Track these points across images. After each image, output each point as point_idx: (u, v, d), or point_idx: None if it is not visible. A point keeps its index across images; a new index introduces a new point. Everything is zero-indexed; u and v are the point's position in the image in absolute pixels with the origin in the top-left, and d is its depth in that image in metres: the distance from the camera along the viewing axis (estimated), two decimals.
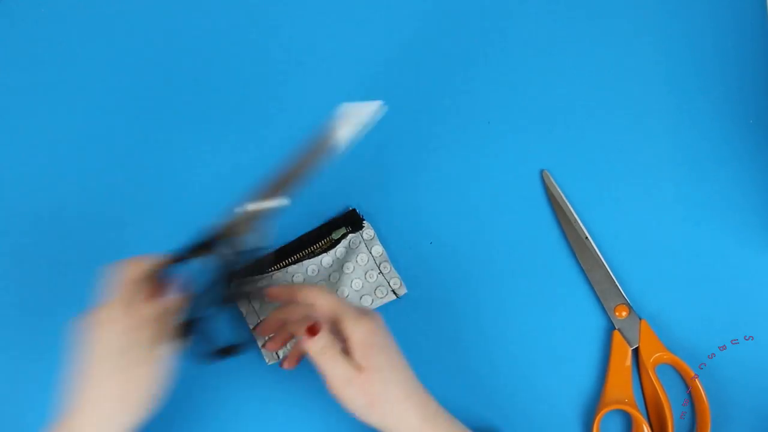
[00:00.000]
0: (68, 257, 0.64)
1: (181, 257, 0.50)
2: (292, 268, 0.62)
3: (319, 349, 0.51)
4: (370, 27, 0.69)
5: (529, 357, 0.63)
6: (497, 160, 0.66)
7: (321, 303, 0.54)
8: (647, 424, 0.60)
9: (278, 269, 0.61)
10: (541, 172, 0.66)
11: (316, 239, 0.62)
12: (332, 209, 0.64)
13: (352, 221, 0.63)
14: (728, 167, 0.65)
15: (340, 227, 0.63)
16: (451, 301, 0.64)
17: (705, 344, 0.63)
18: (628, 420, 0.62)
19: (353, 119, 0.52)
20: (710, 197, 0.65)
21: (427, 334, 0.63)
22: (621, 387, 0.61)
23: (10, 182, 0.66)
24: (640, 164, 0.66)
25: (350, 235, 0.62)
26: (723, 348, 0.63)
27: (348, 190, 0.65)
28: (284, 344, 0.58)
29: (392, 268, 0.63)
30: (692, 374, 0.61)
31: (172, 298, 0.51)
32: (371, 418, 0.51)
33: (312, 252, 0.62)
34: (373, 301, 0.62)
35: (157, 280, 0.51)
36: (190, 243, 0.51)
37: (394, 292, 0.62)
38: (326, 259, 0.62)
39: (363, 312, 0.53)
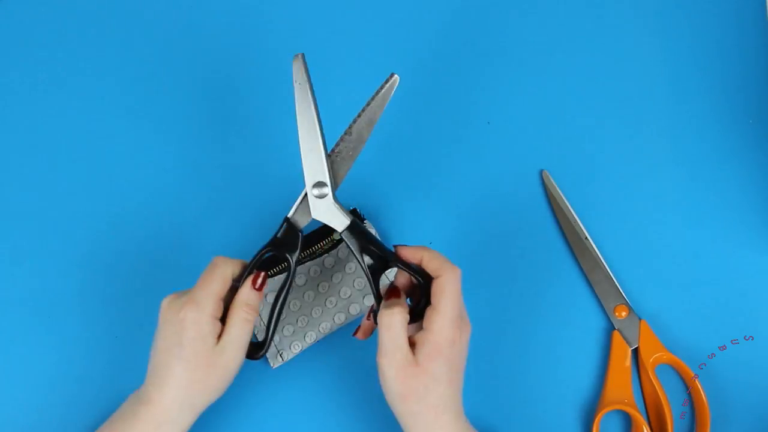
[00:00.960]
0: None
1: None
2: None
3: (389, 323, 0.51)
4: (370, 27, 0.69)
5: (528, 357, 0.63)
6: (497, 160, 0.66)
7: (442, 276, 0.52)
8: (647, 425, 0.60)
9: (280, 271, 0.61)
10: (541, 172, 0.66)
11: (319, 239, 0.62)
12: None
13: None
14: (728, 167, 0.65)
15: None
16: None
17: (705, 344, 0.63)
18: (627, 420, 0.62)
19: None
20: (710, 197, 0.65)
21: None
22: (621, 387, 0.61)
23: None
24: (640, 164, 0.66)
25: None
26: (723, 348, 0.63)
27: (348, 190, 0.65)
28: None
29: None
30: (692, 374, 0.61)
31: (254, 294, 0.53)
32: (397, 406, 0.51)
33: (314, 253, 0.62)
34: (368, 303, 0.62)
35: (245, 280, 0.54)
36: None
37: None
38: (328, 260, 0.62)
39: (458, 319, 0.51)
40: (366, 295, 0.62)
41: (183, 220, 0.65)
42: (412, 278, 0.54)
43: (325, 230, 0.62)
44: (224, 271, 0.52)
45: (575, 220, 0.64)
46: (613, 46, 0.68)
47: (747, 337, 0.63)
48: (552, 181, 0.65)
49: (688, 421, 0.62)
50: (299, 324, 0.61)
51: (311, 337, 0.61)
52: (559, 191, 0.65)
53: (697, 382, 0.61)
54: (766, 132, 0.66)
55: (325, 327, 0.61)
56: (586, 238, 0.64)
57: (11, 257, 0.64)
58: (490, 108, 0.67)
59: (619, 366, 0.61)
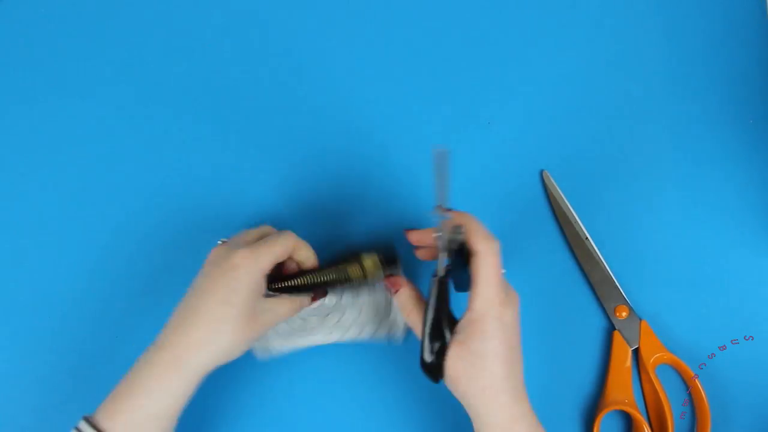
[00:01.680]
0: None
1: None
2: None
3: (403, 302, 0.52)
4: (370, 27, 0.69)
5: (529, 357, 0.62)
6: (497, 161, 0.66)
7: (478, 252, 0.50)
8: (647, 425, 0.60)
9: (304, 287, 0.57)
10: (541, 172, 0.66)
11: (346, 259, 0.57)
12: (332, 208, 0.64)
13: (385, 253, 0.58)
14: (728, 167, 0.65)
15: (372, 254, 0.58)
16: (450, 302, 0.63)
17: (705, 344, 0.63)
18: (628, 420, 0.62)
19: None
20: (710, 197, 0.65)
21: None
22: (621, 387, 0.61)
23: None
24: (640, 164, 0.66)
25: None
26: (723, 348, 0.63)
27: (346, 190, 0.65)
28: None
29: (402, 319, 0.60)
30: (692, 374, 0.61)
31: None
32: (453, 391, 0.50)
33: (347, 279, 0.57)
34: (369, 333, 0.61)
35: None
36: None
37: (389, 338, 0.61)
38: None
39: (499, 292, 0.50)
40: (366, 326, 0.61)
41: (175, 229, 0.65)
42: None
43: (354, 251, 0.58)
44: (290, 243, 0.53)
45: (575, 220, 0.64)
46: (613, 47, 0.68)
47: (747, 337, 0.63)
48: (552, 181, 0.65)
49: (688, 421, 0.62)
50: (293, 325, 0.60)
51: (300, 344, 0.60)
52: (559, 191, 0.65)
53: (697, 382, 0.61)
54: (766, 132, 0.66)
55: (317, 340, 0.60)
56: (587, 238, 0.64)
57: (11, 257, 0.64)
58: (490, 108, 0.67)
59: (619, 366, 0.61)
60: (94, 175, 0.65)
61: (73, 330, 0.63)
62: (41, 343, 0.62)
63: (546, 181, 0.65)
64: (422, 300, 0.54)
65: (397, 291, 0.55)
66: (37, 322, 0.63)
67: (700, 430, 0.61)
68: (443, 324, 0.51)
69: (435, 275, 0.52)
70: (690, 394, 0.62)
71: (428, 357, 0.50)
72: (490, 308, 0.49)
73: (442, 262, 0.52)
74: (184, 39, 0.68)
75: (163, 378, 0.49)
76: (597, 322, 0.63)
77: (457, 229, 0.51)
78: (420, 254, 0.57)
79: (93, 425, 0.48)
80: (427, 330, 0.51)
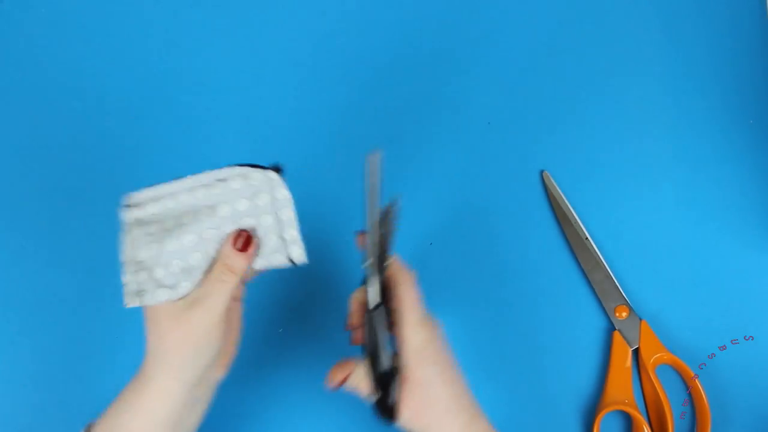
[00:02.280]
0: None
1: None
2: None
3: (351, 384, 0.50)
4: (370, 26, 0.69)
5: (529, 357, 0.63)
6: (497, 161, 0.66)
7: (397, 284, 0.50)
8: (647, 425, 0.60)
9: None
10: (541, 172, 0.66)
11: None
12: (329, 208, 0.64)
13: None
14: (728, 167, 0.65)
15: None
16: (450, 302, 0.64)
17: (705, 344, 0.63)
18: (628, 420, 0.62)
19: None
20: (710, 197, 0.65)
21: None
22: (621, 387, 0.61)
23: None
24: (640, 164, 0.66)
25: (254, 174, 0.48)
26: (723, 348, 0.63)
27: (346, 190, 0.65)
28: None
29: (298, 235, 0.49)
30: (692, 374, 0.61)
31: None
32: (411, 427, 0.49)
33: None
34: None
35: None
36: None
37: (291, 260, 0.49)
38: (224, 207, 0.48)
39: (425, 319, 0.50)
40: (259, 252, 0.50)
41: None
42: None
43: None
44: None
45: (575, 220, 0.64)
46: (613, 46, 0.68)
47: (747, 337, 0.63)
48: (552, 181, 0.65)
49: (688, 421, 0.62)
50: (172, 269, 0.48)
51: (185, 288, 0.48)
52: (559, 191, 0.65)
53: (697, 382, 0.61)
54: (766, 132, 0.66)
55: (190, 241, 0.48)
56: (587, 238, 0.64)
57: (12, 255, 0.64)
58: (490, 108, 0.67)
59: (619, 366, 0.61)
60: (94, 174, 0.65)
61: (74, 329, 0.63)
62: (39, 341, 0.63)
63: (546, 181, 0.65)
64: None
65: (346, 378, 0.51)
66: (36, 321, 0.63)
67: (700, 430, 0.61)
68: (387, 360, 0.50)
69: (367, 309, 0.50)
70: (690, 394, 0.62)
71: (379, 402, 0.49)
72: (420, 336, 0.49)
73: (372, 293, 0.50)
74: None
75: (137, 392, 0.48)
76: (597, 322, 0.63)
77: (387, 257, 0.51)
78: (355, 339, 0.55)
79: None
80: (373, 373, 0.50)
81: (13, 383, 0.62)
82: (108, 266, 0.63)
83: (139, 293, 0.48)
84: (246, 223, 0.48)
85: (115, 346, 0.63)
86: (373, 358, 0.50)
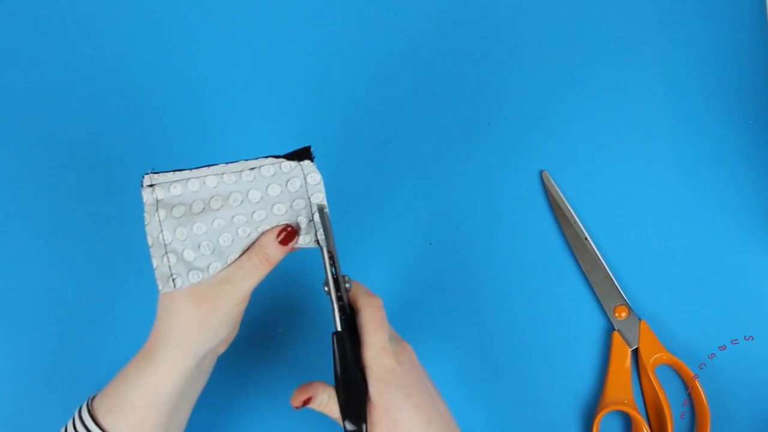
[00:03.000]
0: None
1: None
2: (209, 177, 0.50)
3: (317, 408, 0.50)
4: (370, 26, 0.69)
5: (528, 358, 0.63)
6: (497, 161, 0.66)
7: (361, 308, 0.50)
8: (647, 425, 0.60)
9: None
10: (541, 172, 0.66)
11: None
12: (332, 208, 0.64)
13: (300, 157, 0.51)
14: (727, 168, 0.65)
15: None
16: (450, 303, 0.64)
17: (705, 344, 0.63)
18: (627, 421, 0.62)
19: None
20: (709, 197, 0.65)
21: (427, 335, 0.63)
22: (621, 388, 0.61)
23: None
24: (640, 165, 0.66)
25: (284, 165, 0.50)
26: (723, 348, 0.63)
27: (347, 190, 0.65)
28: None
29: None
30: (692, 374, 0.61)
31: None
32: None
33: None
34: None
35: None
36: None
37: (318, 242, 0.52)
38: (254, 193, 0.50)
39: (388, 344, 0.49)
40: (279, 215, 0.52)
41: None
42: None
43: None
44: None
45: (575, 220, 0.64)
46: (612, 46, 0.68)
47: (747, 337, 0.63)
48: (552, 181, 0.65)
49: (688, 421, 0.62)
50: (202, 250, 0.49)
51: (215, 268, 0.50)
52: (559, 191, 0.65)
53: (697, 382, 0.61)
54: (766, 132, 0.66)
55: (233, 259, 0.50)
56: (586, 238, 0.64)
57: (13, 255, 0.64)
58: (490, 108, 0.67)
59: (619, 366, 0.61)
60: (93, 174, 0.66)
61: (71, 323, 0.63)
62: (36, 335, 0.63)
63: (546, 181, 0.65)
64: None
65: (309, 400, 0.50)
66: (34, 315, 0.63)
67: (699, 430, 0.61)
68: (356, 386, 0.48)
69: (333, 332, 0.50)
70: (690, 394, 0.62)
71: (350, 427, 0.48)
72: (383, 358, 0.48)
73: (337, 314, 0.50)
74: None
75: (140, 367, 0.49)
76: (596, 322, 0.63)
77: (344, 278, 0.50)
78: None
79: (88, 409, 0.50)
80: (342, 401, 0.48)
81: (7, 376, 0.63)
82: (108, 266, 0.64)
83: (172, 277, 0.49)
84: (278, 208, 0.50)
85: (115, 341, 0.63)
86: (338, 382, 0.49)
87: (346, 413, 0.48)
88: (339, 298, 0.50)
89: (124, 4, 0.70)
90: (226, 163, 0.49)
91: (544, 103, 0.67)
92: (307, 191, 0.51)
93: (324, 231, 0.50)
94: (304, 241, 0.51)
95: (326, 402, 0.50)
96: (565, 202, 0.65)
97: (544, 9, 0.69)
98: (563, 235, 0.65)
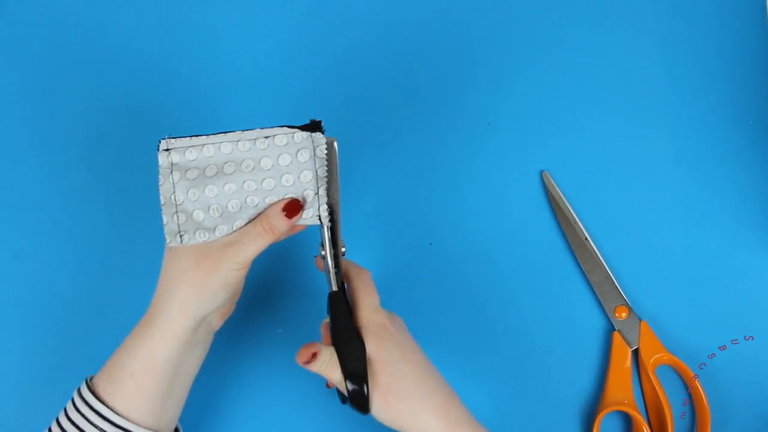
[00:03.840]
0: None
1: None
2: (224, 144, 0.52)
3: (319, 369, 0.50)
4: (370, 25, 0.69)
5: (528, 358, 0.63)
6: (497, 161, 0.66)
7: (352, 277, 0.53)
8: (647, 425, 0.60)
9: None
10: (541, 173, 0.66)
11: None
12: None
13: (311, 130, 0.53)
14: (728, 168, 0.65)
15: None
16: (450, 303, 0.64)
17: (705, 344, 0.63)
18: (628, 421, 0.62)
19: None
20: (710, 198, 0.65)
21: (427, 335, 0.63)
22: (621, 388, 0.61)
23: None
24: (640, 165, 0.66)
25: (297, 135, 0.52)
26: (723, 348, 0.63)
27: (347, 190, 0.65)
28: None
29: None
30: (692, 374, 0.61)
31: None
32: (384, 414, 0.49)
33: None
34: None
35: None
36: None
37: (319, 217, 0.53)
38: (266, 161, 0.52)
39: (380, 307, 0.52)
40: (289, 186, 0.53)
41: None
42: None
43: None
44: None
45: (575, 220, 0.64)
46: (613, 46, 0.68)
47: (747, 337, 0.63)
48: (552, 181, 0.65)
49: (688, 421, 0.62)
50: (211, 213, 0.51)
51: (221, 231, 0.51)
52: (559, 192, 0.65)
53: (697, 382, 0.61)
54: (766, 132, 0.66)
55: (239, 225, 0.52)
56: (586, 238, 0.64)
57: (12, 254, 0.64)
58: (490, 108, 0.67)
59: (619, 367, 0.61)
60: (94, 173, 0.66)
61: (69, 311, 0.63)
62: (36, 335, 0.63)
63: (546, 181, 0.65)
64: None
65: (314, 356, 0.50)
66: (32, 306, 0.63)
67: (699, 430, 0.61)
68: (355, 341, 0.50)
69: (329, 293, 0.52)
70: (690, 395, 0.62)
71: (350, 386, 0.49)
72: (377, 316, 0.51)
73: (332, 276, 0.53)
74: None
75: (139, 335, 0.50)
76: (597, 322, 0.63)
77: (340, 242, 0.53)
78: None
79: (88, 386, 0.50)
80: (342, 356, 0.50)
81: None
82: (108, 267, 0.64)
83: (180, 234, 0.51)
84: (286, 179, 0.52)
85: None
86: (337, 345, 0.51)
87: (347, 371, 0.49)
88: (335, 261, 0.53)
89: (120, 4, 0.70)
90: (242, 130, 0.51)
91: (544, 104, 0.67)
92: (314, 163, 0.52)
93: (329, 166, 0.52)
94: (307, 215, 0.53)
95: (328, 360, 0.50)
96: (565, 202, 0.65)
97: (545, 9, 0.69)
98: (563, 235, 0.65)
